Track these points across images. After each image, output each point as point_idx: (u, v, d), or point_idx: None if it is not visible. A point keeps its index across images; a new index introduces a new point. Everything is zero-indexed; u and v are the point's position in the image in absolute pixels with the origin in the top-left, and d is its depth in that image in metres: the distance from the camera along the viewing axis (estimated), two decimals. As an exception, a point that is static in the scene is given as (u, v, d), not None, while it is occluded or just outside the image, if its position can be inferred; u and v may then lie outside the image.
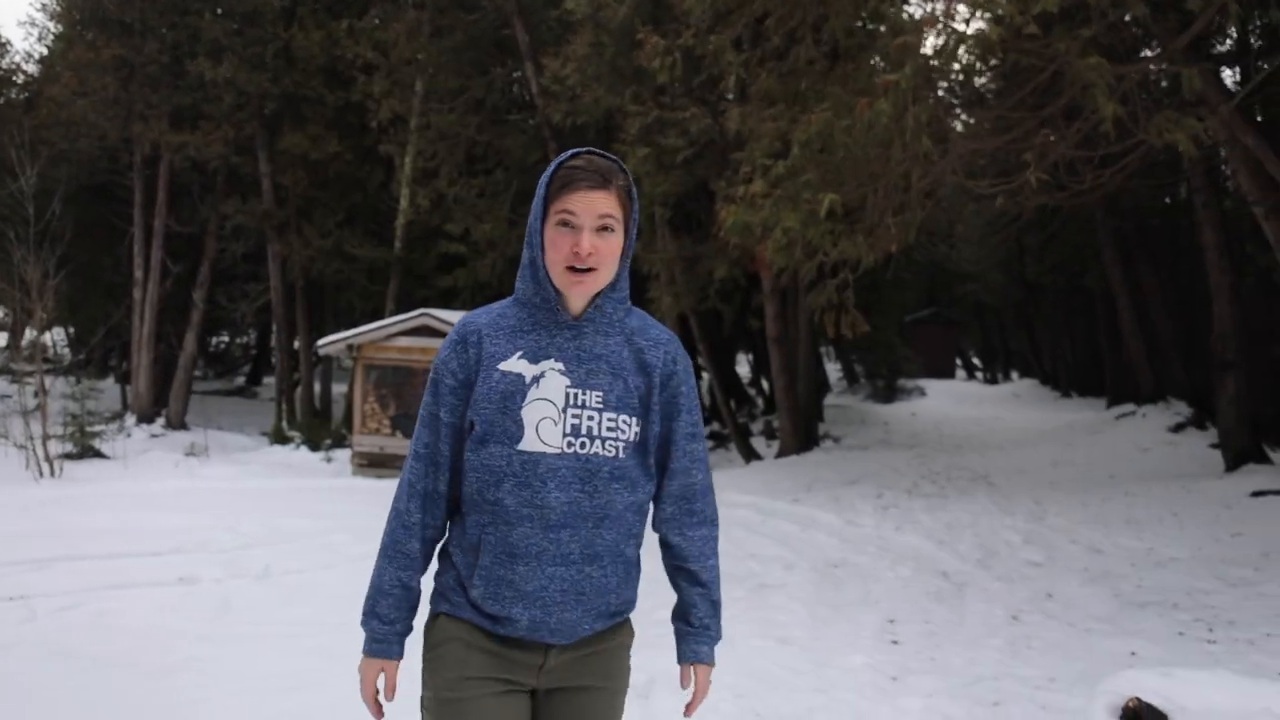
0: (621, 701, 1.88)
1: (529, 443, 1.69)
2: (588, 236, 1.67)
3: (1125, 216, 16.06)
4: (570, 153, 1.73)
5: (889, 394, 26.37)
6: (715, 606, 1.90)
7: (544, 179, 1.72)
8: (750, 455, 14.99)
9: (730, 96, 8.29)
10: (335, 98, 17.91)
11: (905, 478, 11.69)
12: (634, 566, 1.83)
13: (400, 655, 1.82)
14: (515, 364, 1.72)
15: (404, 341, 14.45)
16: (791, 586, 6.23)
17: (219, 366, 36.60)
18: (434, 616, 1.82)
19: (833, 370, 33.92)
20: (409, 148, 17.31)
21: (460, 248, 15.11)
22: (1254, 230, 13.27)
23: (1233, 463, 10.28)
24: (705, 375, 18.06)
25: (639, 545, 1.83)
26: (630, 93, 10.42)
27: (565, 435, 1.70)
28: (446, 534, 1.85)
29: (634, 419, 1.75)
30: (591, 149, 1.74)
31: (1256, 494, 8.69)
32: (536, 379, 1.71)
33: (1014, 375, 40.58)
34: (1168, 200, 18.79)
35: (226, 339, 36.74)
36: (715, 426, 18.63)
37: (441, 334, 14.21)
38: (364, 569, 7.23)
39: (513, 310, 1.78)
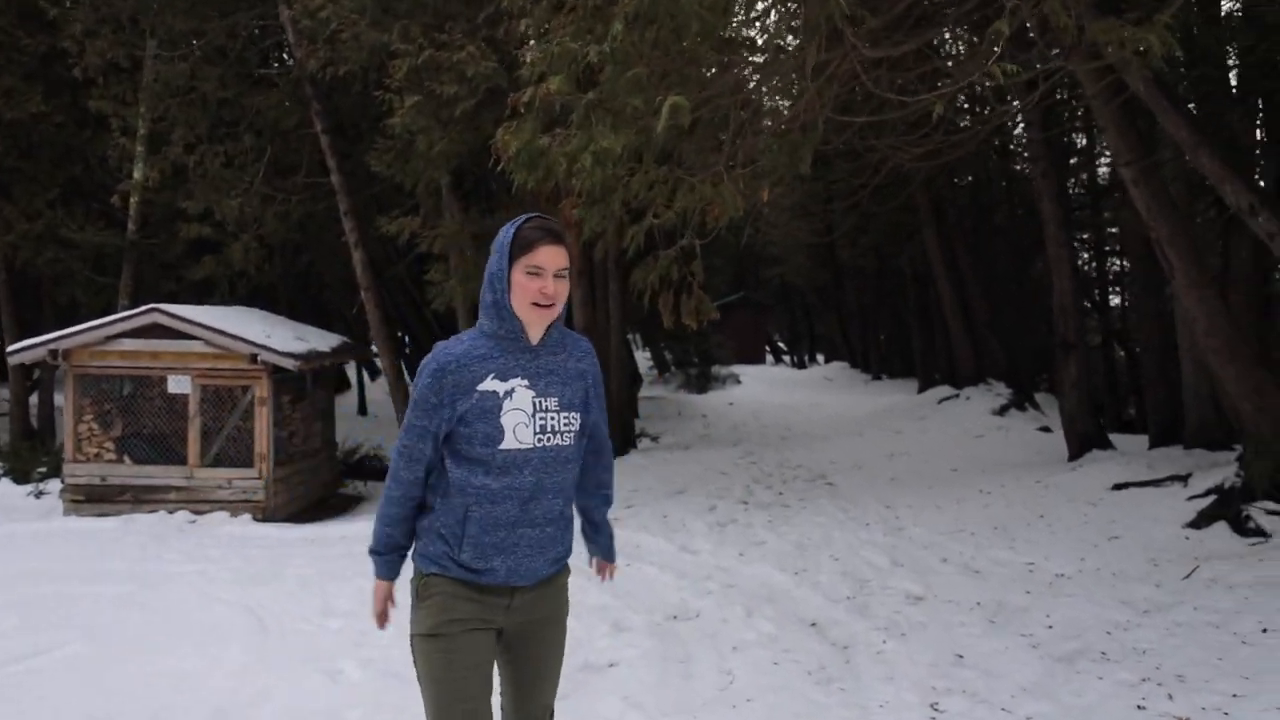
0: (565, 625, 2.46)
1: (508, 443, 2.22)
2: (550, 281, 2.21)
3: (941, 195, 15.62)
4: (524, 218, 2.25)
5: (702, 383, 25.47)
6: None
7: (507, 238, 2.24)
8: (562, 461, 13.31)
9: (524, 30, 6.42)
10: (35, 42, 14.46)
11: (737, 482, 10.35)
12: (571, 522, 2.43)
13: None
14: (490, 384, 2.22)
15: (129, 344, 11.58)
16: (623, 668, 4.54)
17: (-72, 379, 30.67)
18: (424, 576, 2.31)
19: (641, 360, 32.86)
20: (141, 106, 14.24)
21: (203, 230, 12.35)
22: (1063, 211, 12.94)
23: (1077, 449, 9.64)
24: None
25: (572, 506, 2.46)
26: (399, 28, 8.34)
27: (535, 434, 2.24)
28: (429, 517, 2.32)
29: (577, 414, 2.32)
30: (540, 214, 2.28)
31: (1118, 487, 7.92)
32: (509, 394, 2.22)
33: (820, 358, 41.33)
34: (967, 178, 18.75)
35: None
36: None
37: (176, 333, 11.47)
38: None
39: (481, 341, 2.26)
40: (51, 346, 11.56)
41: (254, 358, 11.36)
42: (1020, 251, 18.39)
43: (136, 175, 14.69)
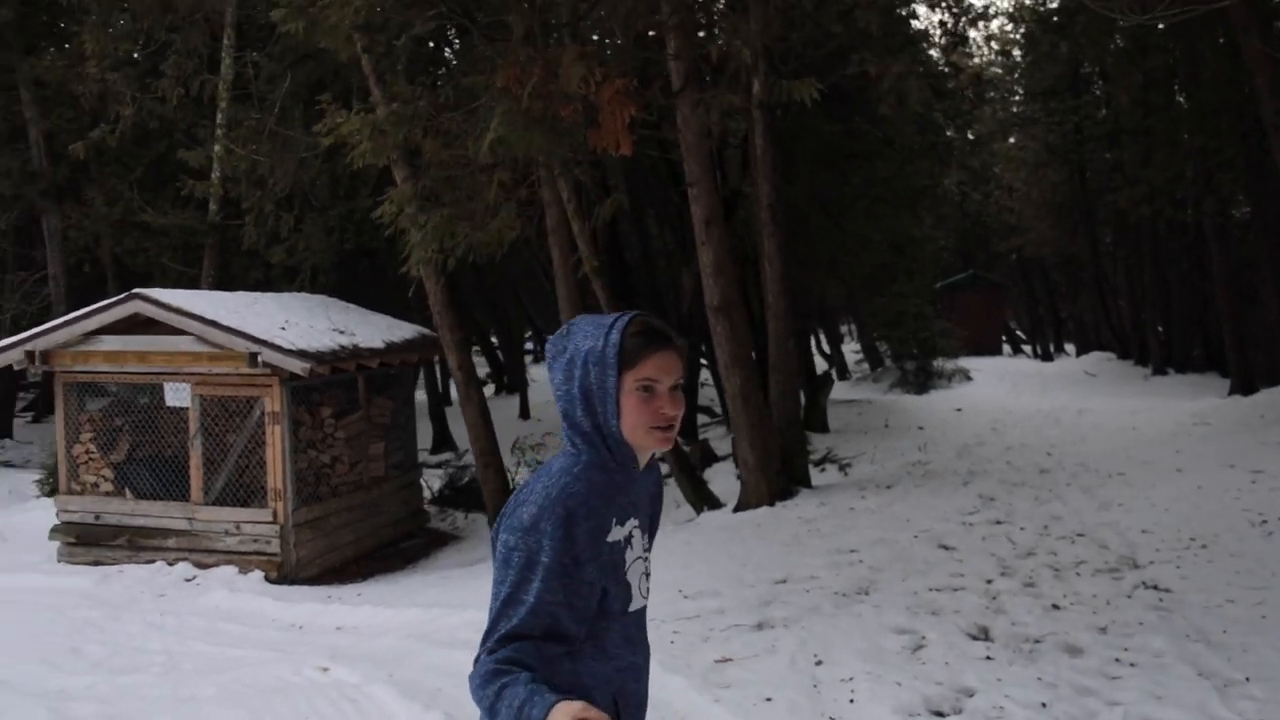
0: None
1: (635, 602, 1.77)
2: (668, 398, 1.72)
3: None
4: (624, 319, 1.72)
5: (923, 380, 20.28)
6: None
7: (611, 349, 1.71)
8: (704, 501, 9.13)
9: None
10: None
11: (969, 572, 5.76)
12: None
13: None
14: (615, 532, 1.74)
15: (111, 343, 8.73)
16: None
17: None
18: None
19: (849, 353, 27.96)
20: (224, 44, 11.72)
21: (208, 186, 9.31)
22: None
23: None
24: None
25: None
26: None
27: (648, 582, 1.82)
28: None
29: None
30: (639, 313, 1.75)
31: None
32: (629, 539, 1.75)
33: (1068, 348, 34.27)
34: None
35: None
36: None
37: (163, 326, 8.47)
38: None
39: (596, 475, 1.73)
40: (27, 347, 8.93)
41: (254, 357, 8.12)
42: None
43: (217, 148, 12.17)
